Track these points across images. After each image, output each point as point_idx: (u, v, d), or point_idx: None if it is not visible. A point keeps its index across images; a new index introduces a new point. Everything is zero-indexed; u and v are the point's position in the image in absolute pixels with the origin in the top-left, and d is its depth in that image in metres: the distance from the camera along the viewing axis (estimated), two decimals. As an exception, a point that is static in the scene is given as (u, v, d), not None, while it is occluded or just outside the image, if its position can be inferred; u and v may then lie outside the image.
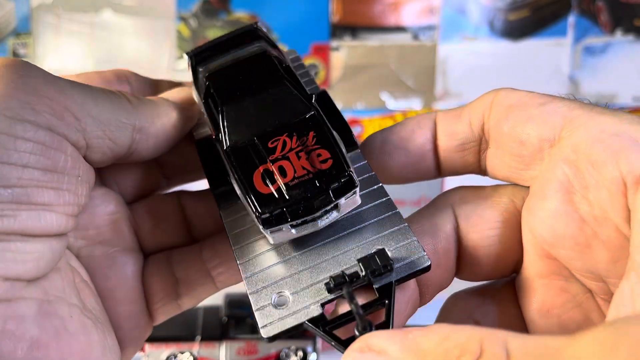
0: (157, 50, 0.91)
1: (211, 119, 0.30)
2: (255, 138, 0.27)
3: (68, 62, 0.91)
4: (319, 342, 0.73)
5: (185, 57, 0.34)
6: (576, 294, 0.28)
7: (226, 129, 0.28)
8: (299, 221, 0.25)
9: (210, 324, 0.71)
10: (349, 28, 0.90)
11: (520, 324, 0.29)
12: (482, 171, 0.31)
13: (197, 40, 0.91)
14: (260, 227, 0.26)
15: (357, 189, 0.26)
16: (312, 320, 0.24)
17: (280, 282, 0.26)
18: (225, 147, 0.28)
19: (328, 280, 0.24)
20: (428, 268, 0.26)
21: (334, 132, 0.28)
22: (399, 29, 0.90)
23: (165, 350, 0.69)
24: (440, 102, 0.91)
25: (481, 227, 0.29)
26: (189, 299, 0.35)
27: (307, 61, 0.90)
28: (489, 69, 0.90)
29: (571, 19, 0.88)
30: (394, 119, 0.91)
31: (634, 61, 0.88)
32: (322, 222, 0.26)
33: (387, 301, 0.24)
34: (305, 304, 0.25)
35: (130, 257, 0.34)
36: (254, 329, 0.70)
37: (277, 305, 0.25)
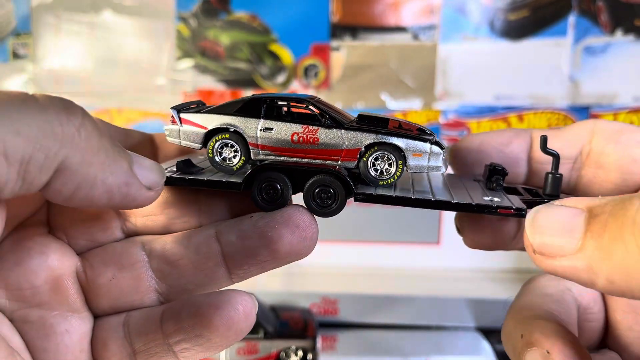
0: (157, 50, 0.91)
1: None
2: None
3: (68, 62, 0.91)
4: (319, 342, 0.74)
5: None
6: None
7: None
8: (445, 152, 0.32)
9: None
10: (349, 28, 0.90)
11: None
12: (569, 187, 0.35)
13: (197, 40, 0.91)
14: (440, 151, 0.32)
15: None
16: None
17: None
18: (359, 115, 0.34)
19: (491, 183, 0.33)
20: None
21: None
22: (399, 29, 0.90)
23: (165, 350, 0.69)
24: (440, 102, 0.91)
25: None
26: None
27: (307, 61, 0.90)
28: (489, 69, 0.90)
29: (571, 19, 0.88)
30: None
31: (634, 61, 0.88)
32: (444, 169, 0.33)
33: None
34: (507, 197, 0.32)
35: (75, 322, 0.30)
36: (254, 328, 0.70)
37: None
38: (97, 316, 0.31)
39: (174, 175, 0.31)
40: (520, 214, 0.29)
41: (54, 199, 0.25)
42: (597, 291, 0.24)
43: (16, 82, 0.91)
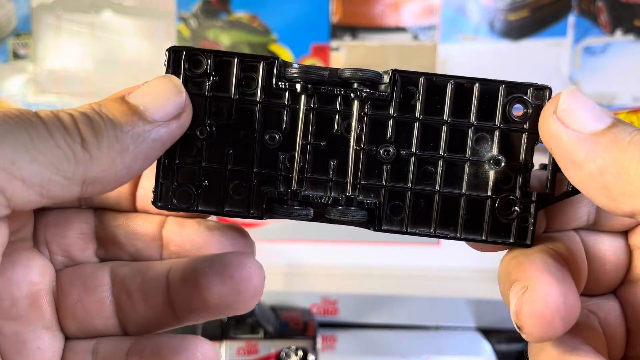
0: (157, 51, 0.91)
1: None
2: None
3: (68, 62, 0.91)
4: (319, 342, 0.74)
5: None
6: None
7: None
8: None
9: (210, 323, 0.71)
10: (349, 28, 0.90)
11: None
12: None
13: (197, 40, 0.91)
14: None
15: None
16: None
17: None
18: None
19: None
20: None
21: None
22: (399, 29, 0.90)
23: (165, 350, 0.69)
24: (440, 102, 0.91)
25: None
26: None
27: (307, 61, 0.91)
28: (489, 69, 0.90)
29: (571, 19, 0.88)
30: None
31: (634, 61, 0.88)
32: None
33: None
34: None
35: (48, 340, 0.29)
36: (254, 328, 0.70)
37: None
38: (67, 338, 0.31)
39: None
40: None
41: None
42: (575, 178, 0.26)
43: (16, 82, 0.91)
